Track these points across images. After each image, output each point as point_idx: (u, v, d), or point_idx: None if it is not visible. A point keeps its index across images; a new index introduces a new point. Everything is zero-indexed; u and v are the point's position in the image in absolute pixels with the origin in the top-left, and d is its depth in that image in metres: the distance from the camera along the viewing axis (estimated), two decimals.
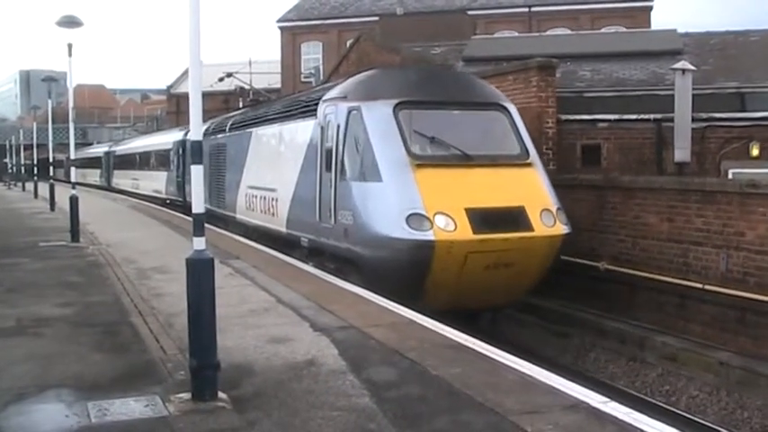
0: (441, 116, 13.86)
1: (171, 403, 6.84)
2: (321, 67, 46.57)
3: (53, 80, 34.98)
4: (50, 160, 40.49)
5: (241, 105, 37.26)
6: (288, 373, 7.73)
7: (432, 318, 10.08)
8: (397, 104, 13.48)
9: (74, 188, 21.63)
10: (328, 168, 14.23)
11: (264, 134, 19.59)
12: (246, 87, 40.80)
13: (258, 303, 11.35)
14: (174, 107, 65.87)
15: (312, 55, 52.89)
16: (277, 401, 6.89)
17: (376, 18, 43.87)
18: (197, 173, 7.15)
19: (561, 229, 13.19)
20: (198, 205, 7.06)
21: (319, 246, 14.87)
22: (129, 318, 10.56)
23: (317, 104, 15.44)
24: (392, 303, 11.05)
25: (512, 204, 12.93)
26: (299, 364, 8.07)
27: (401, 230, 12.26)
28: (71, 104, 24.01)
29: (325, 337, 9.19)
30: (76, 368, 8.08)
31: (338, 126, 14.07)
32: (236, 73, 40.80)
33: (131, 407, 6.78)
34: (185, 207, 29.65)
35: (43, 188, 39.95)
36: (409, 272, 12.40)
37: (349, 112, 13.87)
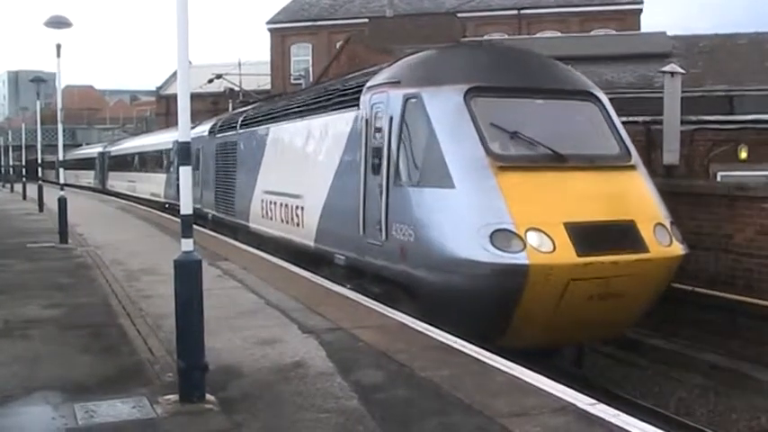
0: (523, 106, 11.40)
1: (158, 405, 6.81)
2: (311, 69, 46.54)
3: (42, 81, 34.85)
4: (39, 161, 40.37)
5: (231, 107, 37.27)
6: (276, 375, 7.71)
7: (421, 320, 10.06)
8: (468, 91, 11.01)
9: (62, 189, 21.56)
10: (376, 171, 11.84)
11: (286, 131, 17.07)
12: (236, 89, 40.82)
13: (246, 305, 11.32)
14: (163, 108, 65.89)
15: (302, 57, 52.85)
16: (265, 403, 6.87)
17: (366, 20, 43.81)
18: (185, 174, 7.13)
19: (679, 249, 10.76)
20: (186, 206, 7.03)
21: (361, 266, 12.44)
22: (117, 319, 10.52)
23: (358, 93, 12.92)
24: (380, 305, 11.03)
25: (620, 218, 10.49)
26: (288, 365, 8.05)
27: (483, 251, 9.77)
28: (59, 105, 23.96)
29: (314, 338, 9.18)
30: (64, 370, 8.04)
31: (390, 118, 11.62)
32: (226, 74, 40.83)
33: (119, 408, 6.75)
34: None
35: (32, 189, 39.77)
36: (492, 304, 9.97)
37: (405, 101, 11.43)
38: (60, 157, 24.15)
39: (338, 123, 13.71)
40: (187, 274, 6.93)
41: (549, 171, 10.62)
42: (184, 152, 7.18)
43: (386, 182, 11.43)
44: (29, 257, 17.12)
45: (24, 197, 44.38)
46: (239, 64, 48.02)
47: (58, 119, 23.67)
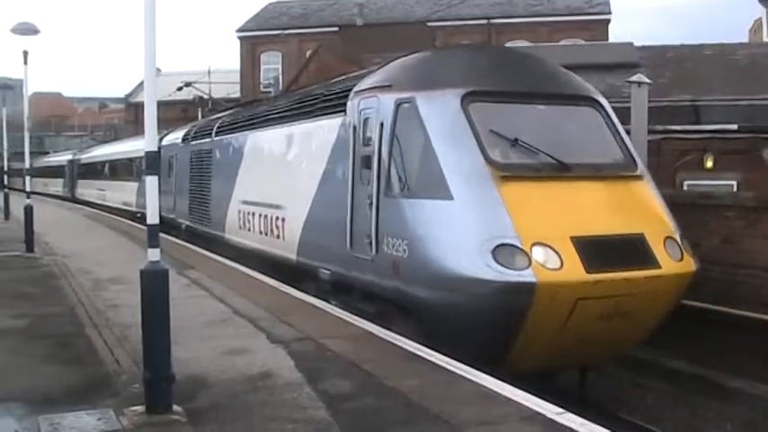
0: (523, 111, 10.80)
1: (124, 416, 6.75)
2: (281, 78, 46.50)
3: (8, 88, 34.53)
4: (5, 169, 39.94)
5: (200, 115, 37.10)
6: (244, 386, 7.68)
7: (387, 329, 10.06)
8: (465, 95, 10.35)
9: (28, 197, 21.35)
10: (365, 181, 11.19)
11: (265, 138, 16.35)
12: (205, 97, 40.68)
13: (214, 315, 11.27)
14: (132, 116, 65.49)
15: (272, 65, 52.75)
16: (232, 414, 6.84)
17: (336, 29, 43.93)
18: (152, 183, 7.10)
19: (691, 264, 10.18)
20: (152, 216, 7.00)
21: (348, 281, 11.76)
22: (83, 330, 10.43)
23: (345, 98, 12.27)
24: (349, 315, 11.02)
25: (629, 231, 9.89)
26: (256, 376, 8.02)
27: (485, 268, 9.10)
28: (26, 113, 23.71)
29: (282, 348, 9.15)
30: (28, 381, 7.94)
31: (381, 125, 10.97)
32: (195, 82, 40.67)
33: (84, 420, 6.68)
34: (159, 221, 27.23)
35: None
36: (494, 325, 9.30)
37: (398, 106, 10.77)
38: (27, 165, 23.92)
39: (323, 130, 13.05)
40: (154, 284, 6.89)
41: (553, 181, 10.01)
42: (151, 161, 7.14)
43: (376, 193, 10.77)
44: None
45: None
46: (209, 72, 47.81)
47: (25, 127, 23.45)
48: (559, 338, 9.51)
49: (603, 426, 6.58)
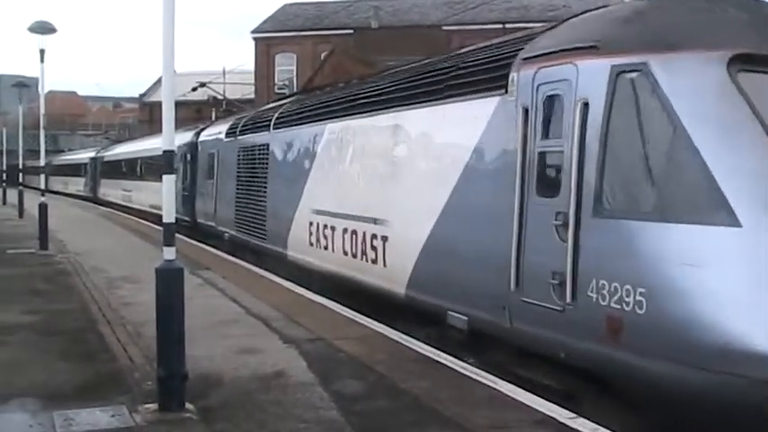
0: None
1: (138, 413, 6.78)
2: (295, 79, 46.59)
3: (24, 86, 34.70)
4: (20, 166, 40.11)
5: (214, 116, 37.12)
6: (256, 385, 7.70)
7: (401, 331, 10.06)
8: (732, 60, 6.91)
9: (43, 195, 21.48)
10: (548, 190, 7.91)
11: (355, 129, 12.69)
12: (220, 97, 40.79)
13: (227, 314, 11.31)
14: (146, 115, 65.75)
15: (286, 66, 52.83)
16: (245, 413, 6.86)
17: (351, 31, 44.02)
18: (168, 182, 7.12)
19: None
20: (168, 215, 7.03)
21: (506, 335, 8.47)
22: (96, 327, 10.48)
23: (504, 68, 8.78)
24: (361, 316, 11.03)
25: None
26: (268, 375, 8.04)
27: None
28: (42, 111, 23.85)
29: (294, 348, 9.17)
30: (42, 377, 7.98)
31: (581, 106, 7.52)
32: (210, 83, 40.76)
33: (97, 417, 6.72)
34: (195, 228, 23.70)
35: (13, 195, 39.52)
36: None
37: (616, 77, 7.29)
38: (42, 163, 24.04)
39: (460, 117, 9.63)
40: (168, 283, 6.93)
41: None
42: (168, 160, 7.17)
43: (574, 210, 7.41)
44: (8, 263, 17.03)
45: (4, 202, 44.09)
46: (223, 72, 47.94)
47: (41, 124, 23.60)
48: None
49: (615, 431, 6.57)
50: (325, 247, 13.37)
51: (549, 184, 7.95)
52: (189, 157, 25.29)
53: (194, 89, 40.36)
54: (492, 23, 47.70)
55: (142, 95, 69.63)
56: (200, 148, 24.04)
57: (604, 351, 7.04)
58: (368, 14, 48.00)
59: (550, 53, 8.17)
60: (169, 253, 6.92)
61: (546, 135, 8.11)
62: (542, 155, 8.10)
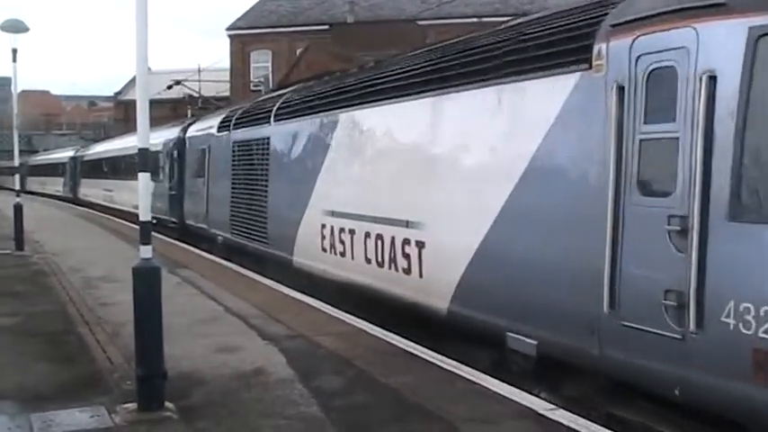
0: None
1: (117, 414, 6.74)
2: (271, 76, 46.43)
3: None
4: None
5: (189, 114, 36.94)
6: (236, 383, 7.68)
7: (380, 327, 10.06)
8: None
9: (18, 196, 21.29)
10: (654, 187, 6.60)
11: (377, 117, 11.16)
12: (195, 95, 40.64)
13: (206, 312, 11.27)
14: (122, 114, 65.45)
15: (262, 63, 52.63)
16: (225, 411, 6.84)
17: (326, 26, 43.85)
18: (144, 180, 7.07)
19: None
20: (144, 213, 6.99)
21: (595, 365, 7.11)
22: (75, 327, 10.41)
23: (585, 38, 7.36)
24: (340, 312, 11.02)
25: None
26: (248, 373, 8.02)
27: None
28: (15, 110, 23.66)
29: (274, 346, 9.16)
30: (20, 379, 7.92)
31: (708, 80, 6.05)
32: (185, 80, 40.57)
33: (76, 418, 6.68)
34: (183, 231, 22.73)
35: None
36: None
37: (756, 42, 5.89)
38: (16, 163, 23.84)
39: (524, 99, 8.19)
40: (146, 282, 6.89)
41: None
42: (143, 158, 7.12)
43: (699, 210, 6.03)
44: None
45: None
46: (198, 70, 47.73)
47: (14, 124, 23.41)
48: None
49: (594, 421, 6.60)
50: (342, 254, 11.79)
51: (657, 180, 6.54)
52: (176, 153, 24.06)
53: (170, 87, 40.14)
54: (467, 17, 47.87)
55: (117, 94, 69.28)
56: (188, 144, 22.85)
57: (745, 390, 5.71)
58: (343, 10, 47.89)
59: (654, 16, 6.62)
60: (146, 252, 6.88)
61: (651, 118, 6.59)
62: (646, 143, 6.59)
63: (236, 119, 17.94)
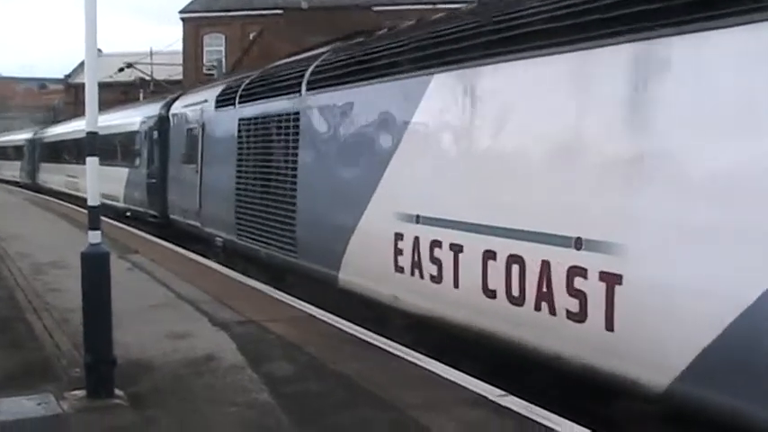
0: None
1: (65, 401, 6.65)
2: (224, 60, 46.11)
3: None
4: None
5: (141, 97, 36.53)
6: (187, 369, 7.63)
7: (332, 313, 10.05)
8: None
9: None
10: None
11: (514, 79, 7.37)
12: (147, 78, 40.21)
13: (157, 298, 11.18)
14: (72, 97, 64.72)
15: (215, 47, 52.29)
16: (176, 397, 6.80)
17: (280, 11, 43.56)
18: (92, 165, 6.96)
19: None
20: (93, 198, 6.89)
21: None
22: (22, 314, 10.25)
23: None
24: (291, 298, 10.99)
25: None
26: (199, 359, 7.97)
27: None
28: None
29: (225, 332, 9.11)
30: None
31: None
32: (137, 63, 40.14)
33: (23, 405, 6.57)
34: (167, 226, 19.32)
35: None
36: None
37: None
38: None
39: None
40: (94, 267, 6.81)
41: None
42: (91, 142, 7.01)
43: None
44: None
45: None
46: (150, 53, 47.24)
47: None
48: None
49: (543, 407, 6.65)
50: (436, 279, 8.27)
51: None
52: (156, 134, 20.32)
53: (121, 69, 39.73)
54: (421, 4, 47.86)
55: (67, 76, 68.32)
56: (172, 122, 19.18)
57: None
58: None
59: None
60: (94, 237, 6.79)
61: None
62: None
63: (244, 90, 14.28)
